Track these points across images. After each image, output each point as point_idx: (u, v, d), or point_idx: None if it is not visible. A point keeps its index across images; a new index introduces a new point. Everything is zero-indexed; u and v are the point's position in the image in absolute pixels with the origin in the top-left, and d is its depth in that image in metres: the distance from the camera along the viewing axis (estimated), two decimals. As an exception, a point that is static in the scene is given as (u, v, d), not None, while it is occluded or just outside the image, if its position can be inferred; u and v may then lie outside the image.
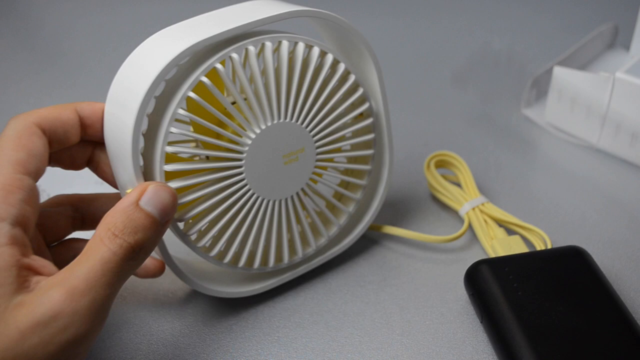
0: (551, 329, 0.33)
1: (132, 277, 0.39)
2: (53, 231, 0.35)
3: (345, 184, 0.39)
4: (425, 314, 0.37)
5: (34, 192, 0.30)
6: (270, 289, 0.38)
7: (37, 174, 0.30)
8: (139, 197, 0.29)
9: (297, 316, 0.37)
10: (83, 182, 0.46)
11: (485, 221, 0.41)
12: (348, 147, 0.37)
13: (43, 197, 0.44)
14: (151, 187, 0.30)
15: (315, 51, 0.34)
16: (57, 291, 0.26)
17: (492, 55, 0.59)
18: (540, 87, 0.51)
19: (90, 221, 0.36)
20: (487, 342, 0.35)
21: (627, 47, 0.54)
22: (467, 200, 0.42)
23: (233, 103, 0.33)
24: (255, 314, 0.37)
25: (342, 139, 0.36)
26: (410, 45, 0.62)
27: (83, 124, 0.33)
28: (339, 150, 0.36)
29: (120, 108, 0.31)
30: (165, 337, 0.36)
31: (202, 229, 0.34)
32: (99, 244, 0.28)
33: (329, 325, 0.36)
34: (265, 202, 0.34)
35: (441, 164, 0.44)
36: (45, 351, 0.26)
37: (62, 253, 0.35)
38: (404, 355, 0.34)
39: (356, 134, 0.37)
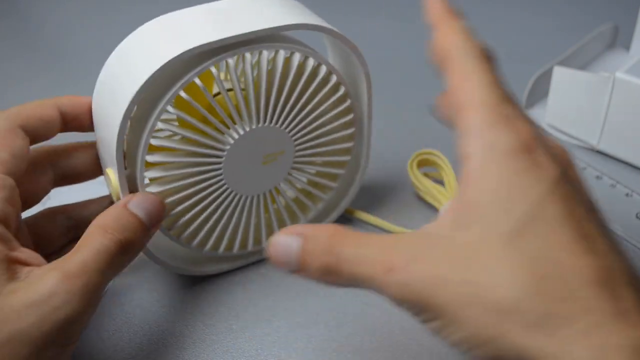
0: None
1: (132, 279, 0.39)
2: (49, 242, 0.36)
3: (320, 175, 0.40)
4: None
5: (15, 192, 0.31)
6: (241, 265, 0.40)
7: (17, 174, 0.32)
8: (127, 200, 0.32)
9: (297, 316, 0.37)
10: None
11: None
12: (326, 149, 0.38)
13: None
14: (139, 193, 0.32)
15: (310, 62, 0.35)
16: (53, 274, 0.28)
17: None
18: (541, 88, 0.51)
19: (85, 226, 0.36)
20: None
21: (627, 47, 0.54)
22: (448, 199, 0.42)
23: (218, 100, 0.34)
24: (255, 313, 0.37)
25: (322, 145, 0.37)
26: (409, 45, 0.62)
27: (65, 119, 0.35)
28: (316, 155, 0.38)
29: (110, 101, 0.33)
30: (165, 338, 0.36)
31: (182, 224, 0.36)
32: (90, 238, 0.30)
33: (329, 325, 0.36)
34: (239, 197, 0.36)
35: (426, 163, 0.44)
36: (40, 330, 0.27)
37: None
38: (403, 355, 0.35)
39: (336, 132, 0.38)
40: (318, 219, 0.41)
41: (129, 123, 0.32)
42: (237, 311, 0.37)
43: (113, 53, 0.34)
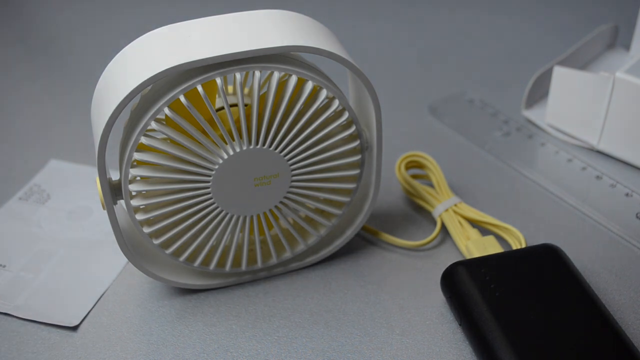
0: (529, 327, 0.33)
1: (131, 279, 0.39)
2: None
3: (322, 202, 0.38)
4: (426, 313, 0.37)
5: None
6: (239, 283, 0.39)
7: None
8: None
9: (297, 316, 0.37)
10: (82, 180, 0.46)
11: (460, 222, 0.41)
12: (328, 176, 0.36)
13: (43, 197, 0.45)
14: None
15: (309, 85, 0.33)
16: None
17: (491, 55, 0.60)
18: (541, 88, 0.51)
19: None
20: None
21: (627, 47, 0.54)
22: (439, 201, 0.42)
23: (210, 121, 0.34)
24: (255, 314, 0.37)
25: (323, 171, 0.36)
26: (410, 44, 0.62)
27: None
28: (316, 181, 0.36)
29: (98, 111, 0.33)
30: (166, 337, 0.36)
31: (169, 238, 0.35)
32: None
33: (329, 325, 0.36)
34: (230, 216, 0.35)
35: (413, 165, 0.44)
36: None
37: None
38: (403, 355, 0.35)
39: (339, 159, 0.36)
40: (321, 244, 0.40)
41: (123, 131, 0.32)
42: (237, 311, 0.37)
43: (113, 60, 0.34)
